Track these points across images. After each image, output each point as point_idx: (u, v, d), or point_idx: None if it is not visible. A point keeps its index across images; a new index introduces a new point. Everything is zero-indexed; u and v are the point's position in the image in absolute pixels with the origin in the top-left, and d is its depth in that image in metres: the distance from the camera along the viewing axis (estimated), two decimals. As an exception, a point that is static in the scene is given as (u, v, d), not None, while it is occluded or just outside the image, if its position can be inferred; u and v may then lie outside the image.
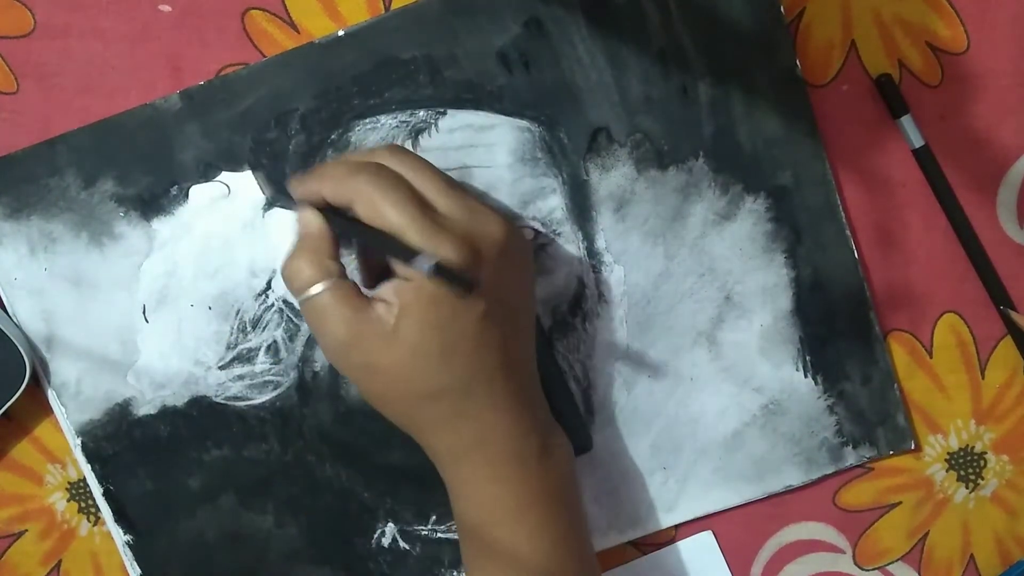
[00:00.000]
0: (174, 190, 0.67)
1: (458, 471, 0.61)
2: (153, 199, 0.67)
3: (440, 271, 0.55)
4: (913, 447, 0.70)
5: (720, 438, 0.69)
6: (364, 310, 0.58)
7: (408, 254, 0.56)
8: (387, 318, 0.57)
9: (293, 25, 0.66)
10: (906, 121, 0.67)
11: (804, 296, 0.68)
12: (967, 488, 0.71)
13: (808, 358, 0.68)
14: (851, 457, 0.69)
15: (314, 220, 0.59)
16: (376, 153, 0.60)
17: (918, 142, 0.67)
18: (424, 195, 0.58)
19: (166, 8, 0.67)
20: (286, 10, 0.66)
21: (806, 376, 0.69)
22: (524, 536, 0.60)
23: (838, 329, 0.68)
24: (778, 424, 0.69)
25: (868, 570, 0.72)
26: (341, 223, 0.59)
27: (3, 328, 0.67)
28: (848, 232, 0.68)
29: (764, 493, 0.70)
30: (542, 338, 0.68)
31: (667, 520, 0.70)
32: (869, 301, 0.68)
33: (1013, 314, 0.68)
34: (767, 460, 0.69)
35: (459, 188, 0.59)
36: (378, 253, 0.58)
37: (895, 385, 0.69)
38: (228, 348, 0.69)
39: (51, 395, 0.69)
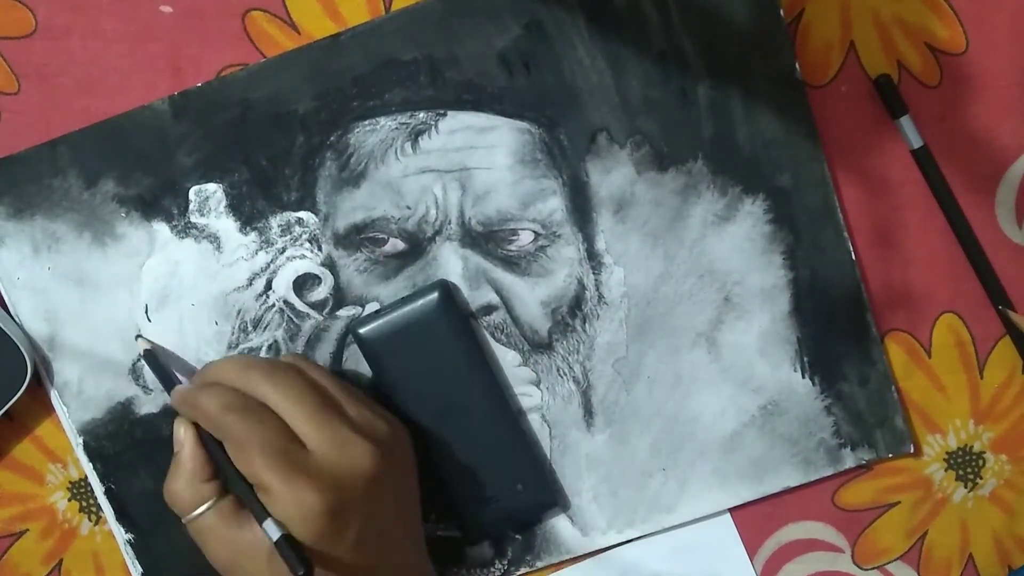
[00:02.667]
0: (174, 191, 0.67)
1: None
2: (154, 200, 0.67)
3: (282, 546, 0.57)
4: (912, 450, 0.70)
5: (719, 439, 0.69)
6: (243, 530, 0.61)
7: (260, 515, 0.59)
8: (264, 539, 0.59)
9: (294, 26, 0.67)
10: (905, 122, 0.67)
11: (802, 297, 0.68)
12: (966, 488, 0.71)
13: (805, 359, 0.69)
14: (849, 459, 0.69)
15: (188, 440, 0.63)
16: (255, 371, 0.62)
17: (917, 143, 0.67)
18: (296, 427, 0.61)
19: (167, 9, 0.67)
20: (287, 11, 0.66)
21: (804, 377, 0.69)
22: None
23: (835, 330, 0.68)
24: (776, 425, 0.69)
25: (867, 569, 0.72)
26: (213, 453, 0.62)
27: (5, 328, 0.67)
28: (846, 234, 0.68)
29: (762, 494, 0.70)
30: (503, 403, 0.69)
31: (667, 521, 0.70)
32: (866, 303, 0.68)
33: (1012, 314, 0.68)
34: (765, 461, 0.69)
35: (330, 414, 0.61)
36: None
37: (893, 387, 0.69)
38: (229, 348, 0.69)
39: (53, 394, 0.70)
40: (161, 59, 0.67)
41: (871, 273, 0.69)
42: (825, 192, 0.67)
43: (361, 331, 0.67)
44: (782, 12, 0.65)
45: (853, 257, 0.68)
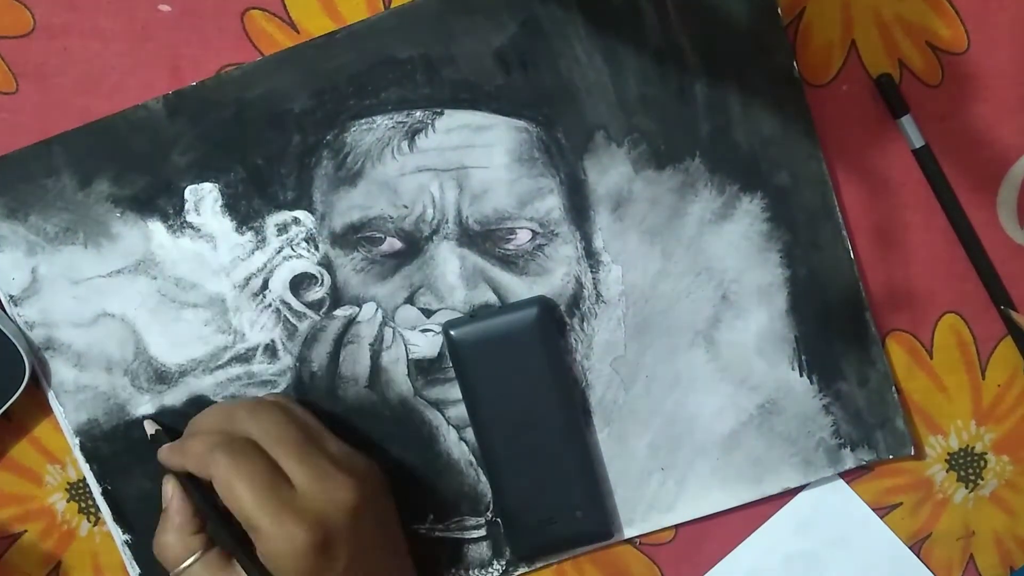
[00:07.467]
0: (169, 190, 0.67)
1: None
2: (149, 199, 0.67)
3: None
4: (912, 452, 0.70)
5: (717, 438, 0.69)
6: None
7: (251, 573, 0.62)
8: None
9: (293, 25, 0.67)
10: (906, 121, 0.67)
11: (799, 295, 0.68)
12: (967, 488, 0.71)
13: (803, 357, 0.68)
14: (849, 460, 0.69)
15: (175, 494, 0.64)
16: (239, 411, 0.64)
17: (918, 142, 0.67)
18: (281, 463, 0.62)
19: (166, 8, 0.67)
20: (286, 10, 0.66)
21: (801, 375, 0.68)
22: None
23: (833, 329, 0.68)
24: (775, 424, 0.69)
25: (868, 571, 0.72)
26: (200, 504, 0.64)
27: (3, 328, 0.67)
28: (844, 232, 0.67)
29: (763, 495, 0.70)
30: (579, 428, 0.68)
31: (666, 520, 0.70)
32: (865, 302, 0.68)
33: (1013, 314, 0.68)
34: (765, 460, 0.69)
35: (313, 449, 0.63)
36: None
37: (893, 388, 0.69)
38: (226, 348, 0.69)
39: (50, 395, 0.69)
40: (160, 58, 0.67)
41: (872, 273, 0.68)
42: (823, 191, 0.67)
43: (453, 332, 0.67)
44: (780, 11, 0.65)
45: (851, 256, 0.67)
